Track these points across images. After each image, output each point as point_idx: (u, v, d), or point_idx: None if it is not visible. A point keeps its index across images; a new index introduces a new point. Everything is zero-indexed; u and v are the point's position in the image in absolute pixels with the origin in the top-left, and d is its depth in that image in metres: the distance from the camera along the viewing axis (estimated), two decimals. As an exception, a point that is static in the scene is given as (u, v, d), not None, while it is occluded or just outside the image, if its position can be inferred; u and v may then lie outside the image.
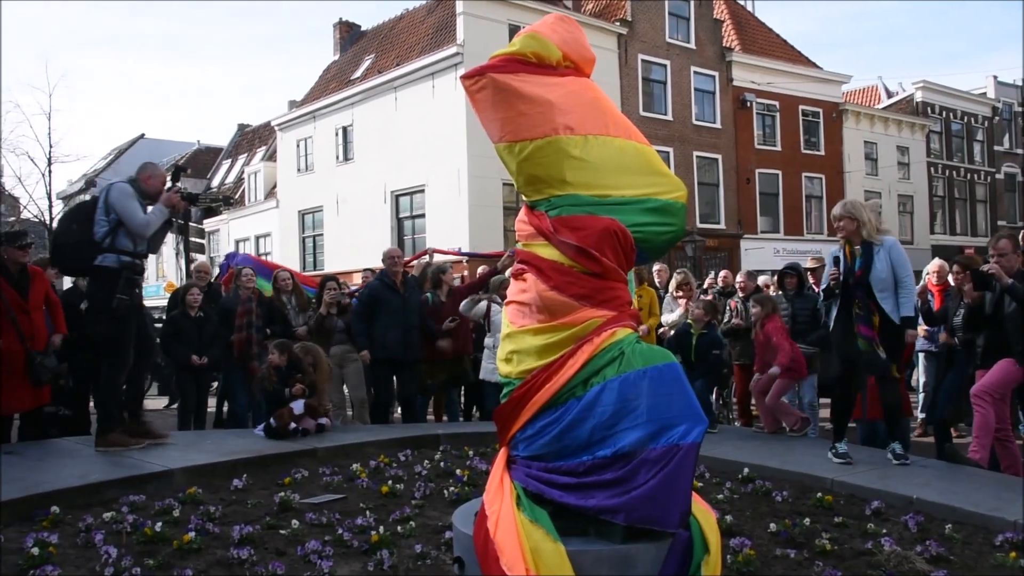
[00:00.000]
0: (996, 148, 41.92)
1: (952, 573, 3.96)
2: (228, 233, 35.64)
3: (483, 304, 8.39)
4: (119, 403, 6.52)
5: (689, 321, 8.18)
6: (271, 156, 35.22)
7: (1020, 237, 9.85)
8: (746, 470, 6.01)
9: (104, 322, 6.22)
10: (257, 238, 34.02)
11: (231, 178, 40.06)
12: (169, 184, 6.51)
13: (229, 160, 41.61)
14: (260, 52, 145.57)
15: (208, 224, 33.25)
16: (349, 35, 33.42)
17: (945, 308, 7.59)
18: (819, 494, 5.38)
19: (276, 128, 33.06)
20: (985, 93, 42.01)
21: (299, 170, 31.21)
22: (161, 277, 33.65)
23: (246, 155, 39.55)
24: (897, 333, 6.16)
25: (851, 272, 6.27)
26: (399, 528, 4.61)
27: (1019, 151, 43.04)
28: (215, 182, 41.10)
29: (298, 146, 31.34)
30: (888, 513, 5.05)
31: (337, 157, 29.05)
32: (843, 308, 6.39)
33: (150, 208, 6.35)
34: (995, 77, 42.57)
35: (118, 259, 6.18)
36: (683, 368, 3.47)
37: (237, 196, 36.53)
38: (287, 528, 4.60)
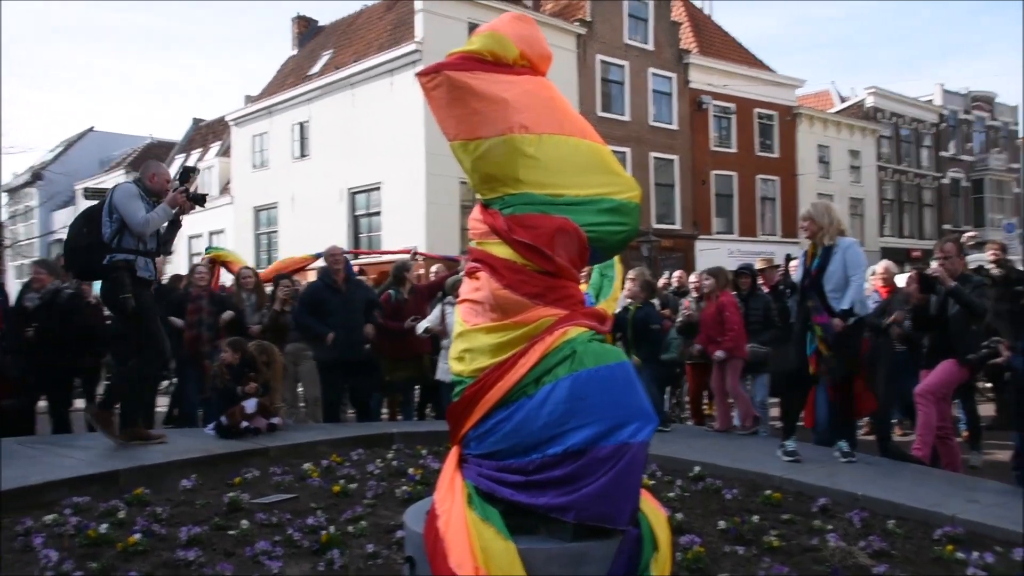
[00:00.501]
0: (942, 154, 42.94)
1: (893, 567, 4.05)
2: (181, 229, 34.99)
3: (437, 310, 8.38)
4: (143, 397, 6.68)
5: (627, 299, 8.18)
6: (226, 151, 34.75)
7: (963, 241, 10.13)
8: (697, 468, 6.07)
9: (120, 320, 6.35)
10: (211, 234, 33.50)
11: (184, 173, 39.38)
12: (177, 184, 6.49)
13: (183, 155, 40.93)
14: (216, 45, 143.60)
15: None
16: (307, 30, 33.11)
17: (889, 305, 7.75)
18: (768, 492, 5.46)
19: (231, 123, 32.63)
20: (932, 100, 43.04)
21: (254, 166, 30.83)
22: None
23: (200, 150, 38.96)
24: (851, 333, 6.27)
25: (808, 272, 6.39)
26: (350, 528, 4.58)
27: (964, 157, 44.14)
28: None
29: (253, 141, 30.95)
30: (834, 510, 5.14)
31: (293, 153, 28.75)
32: (801, 307, 6.51)
33: (156, 207, 6.33)
34: (942, 85, 43.66)
35: (120, 259, 6.19)
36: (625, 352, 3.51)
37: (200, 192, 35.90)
38: (236, 528, 4.53)
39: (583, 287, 3.80)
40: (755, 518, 4.84)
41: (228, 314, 8.39)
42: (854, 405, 6.67)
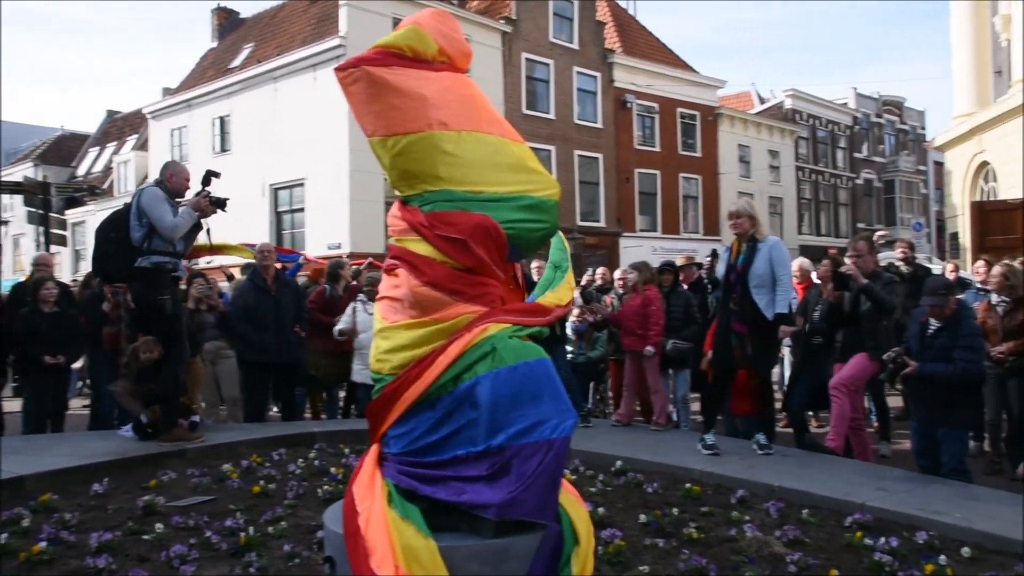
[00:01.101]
0: (856, 155, 44.44)
1: (806, 554, 4.17)
2: (95, 225, 33.88)
3: (349, 308, 8.31)
4: (178, 397, 6.83)
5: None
6: (143, 145, 33.72)
7: (875, 239, 10.48)
8: (619, 463, 6.14)
9: (155, 321, 6.55)
10: (127, 230, 32.49)
11: (99, 167, 38.12)
12: (200, 188, 6.61)
13: (97, 148, 39.59)
14: (132, 35, 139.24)
15: (72, 215, 31.42)
16: (228, 22, 32.37)
17: (805, 302, 7.94)
18: (688, 485, 5.56)
19: (148, 116, 31.70)
20: (847, 103, 44.46)
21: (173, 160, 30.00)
22: (18, 271, 31.74)
23: (116, 143, 37.71)
24: (769, 329, 6.41)
25: (732, 268, 6.52)
26: (270, 529, 4.51)
27: (876, 159, 45.76)
28: (81, 170, 39.04)
29: (172, 135, 30.12)
30: (752, 501, 5.26)
31: (214, 148, 28.08)
32: (724, 303, 6.64)
33: (180, 210, 6.49)
34: (855, 89, 45.16)
35: (156, 261, 6.39)
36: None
37: (105, 186, 34.78)
38: (151, 533, 4.41)
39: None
40: (675, 511, 4.93)
41: (109, 304, 8.15)
42: (772, 399, 6.84)
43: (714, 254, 8.00)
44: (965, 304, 6.19)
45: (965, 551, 4.20)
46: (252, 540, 4.23)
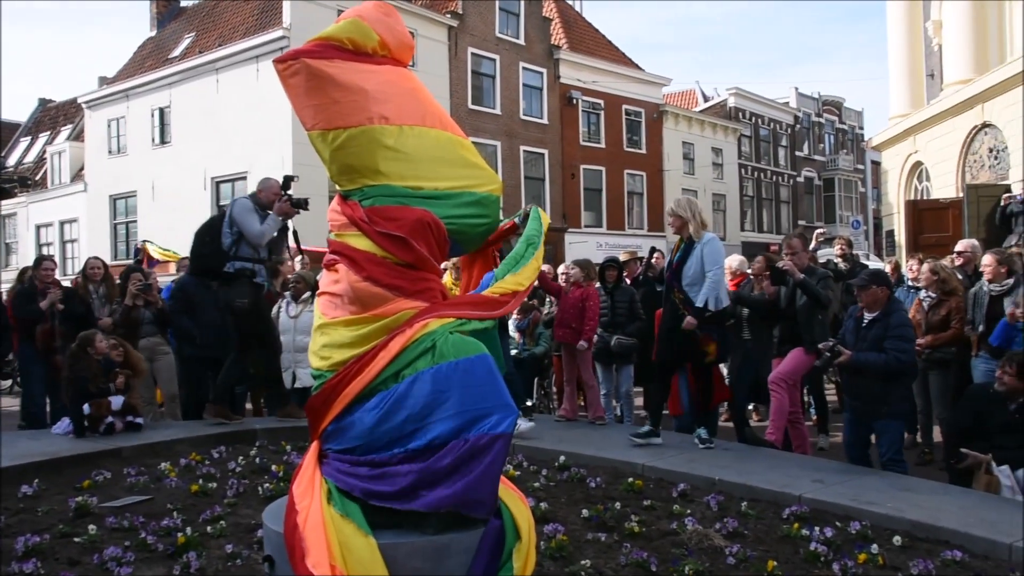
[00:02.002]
0: (797, 154, 45.34)
1: (745, 546, 4.24)
2: (27, 217, 32.92)
3: (273, 310, 8.27)
4: (233, 384, 7.70)
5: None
6: (78, 135, 32.81)
7: (816, 236, 10.69)
8: (562, 458, 6.17)
9: (239, 317, 7.23)
10: (62, 223, 31.62)
11: (31, 157, 36.95)
12: (280, 192, 7.11)
13: (28, 137, 38.35)
14: (64, 21, 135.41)
15: (3, 207, 30.51)
16: (167, 10, 31.58)
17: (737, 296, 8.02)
18: (630, 479, 5.61)
19: (84, 106, 30.81)
20: (788, 103, 45.30)
21: (110, 152, 29.23)
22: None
23: (48, 133, 36.57)
24: (711, 324, 6.48)
25: (670, 265, 6.63)
26: (208, 528, 4.44)
27: (816, 157, 46.75)
28: (11, 160, 37.78)
29: (109, 126, 29.33)
30: (693, 494, 5.33)
31: (153, 139, 27.43)
32: (667, 299, 6.72)
33: (267, 219, 7.06)
34: (796, 89, 46.06)
35: (239, 267, 7.14)
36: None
37: (37, 177, 33.79)
38: (83, 535, 4.31)
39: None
40: (618, 505, 4.98)
41: (51, 298, 7.95)
42: (713, 394, 6.94)
43: (651, 252, 8.08)
44: (897, 298, 6.35)
45: (896, 540, 4.32)
46: (190, 540, 4.15)
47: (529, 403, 8.86)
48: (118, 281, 8.55)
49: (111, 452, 6.30)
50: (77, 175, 31.67)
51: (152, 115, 27.40)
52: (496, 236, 3.89)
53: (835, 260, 9.41)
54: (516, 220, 3.94)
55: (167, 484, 5.52)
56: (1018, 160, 15.83)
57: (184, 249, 9.00)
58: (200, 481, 5.49)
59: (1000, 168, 17.08)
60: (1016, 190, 11.31)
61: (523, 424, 6.83)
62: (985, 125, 17.85)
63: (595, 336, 8.10)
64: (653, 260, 7.94)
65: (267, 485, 5.37)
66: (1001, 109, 16.87)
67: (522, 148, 29.53)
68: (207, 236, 7.33)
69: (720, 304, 6.47)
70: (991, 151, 17.85)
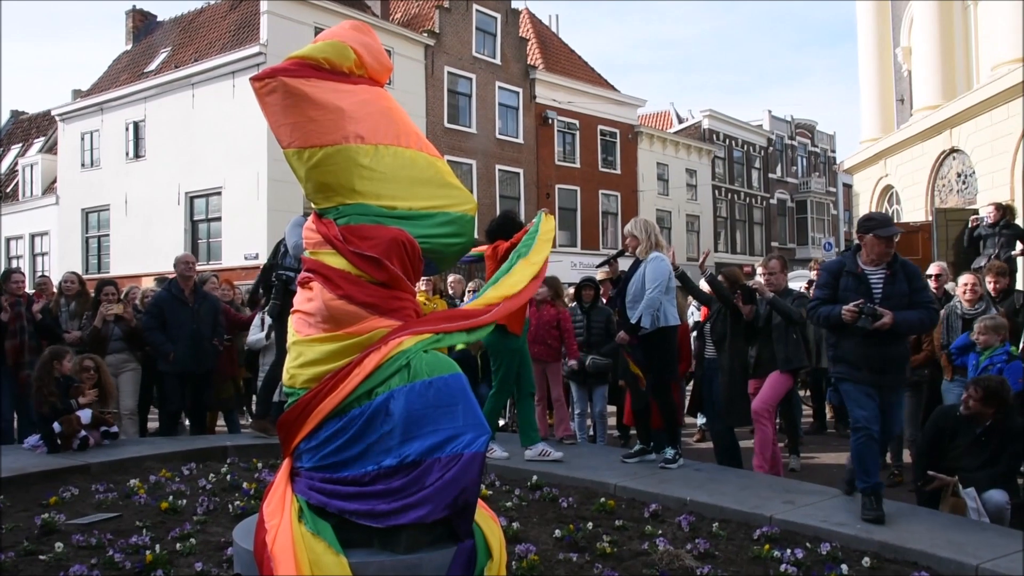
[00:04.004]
0: (771, 176, 45.86)
1: (716, 567, 4.26)
2: (-2, 228, 32.52)
3: (256, 319, 8.26)
4: (271, 396, 7.64)
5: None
6: (51, 148, 32.47)
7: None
8: (535, 477, 6.17)
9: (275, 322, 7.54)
10: (32, 236, 31.24)
11: (2, 169, 36.54)
12: None
13: (0, 149, 37.93)
14: (40, 33, 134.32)
15: (-27, 219, 30.12)
16: (143, 25, 31.42)
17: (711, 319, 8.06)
18: (603, 499, 5.61)
19: (57, 118, 30.54)
20: (762, 125, 45.87)
21: (83, 165, 28.98)
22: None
23: (21, 145, 36.17)
24: (655, 343, 6.52)
25: (620, 283, 6.72)
26: (178, 546, 4.38)
27: (789, 180, 47.30)
28: (-18, 173, 37.34)
29: (83, 139, 29.09)
30: (665, 515, 5.33)
31: (127, 153, 27.23)
32: (620, 319, 6.79)
33: None
34: (770, 111, 46.68)
35: (280, 274, 7.44)
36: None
37: (8, 190, 33.37)
38: (48, 553, 4.24)
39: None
40: (590, 525, 4.97)
41: (74, 335, 8.08)
42: (676, 413, 6.94)
43: (619, 252, 8.14)
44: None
45: (865, 561, 4.35)
46: (159, 558, 4.10)
47: (502, 422, 8.85)
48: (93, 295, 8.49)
49: (79, 468, 6.22)
50: (49, 188, 31.32)
51: (127, 129, 27.22)
52: (516, 239, 3.95)
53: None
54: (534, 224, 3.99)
55: (136, 501, 5.45)
56: (986, 185, 16.11)
57: (155, 264, 8.92)
58: (170, 498, 5.43)
59: (968, 193, 17.37)
60: (983, 213, 11.47)
61: (498, 451, 6.83)
62: (953, 150, 18.17)
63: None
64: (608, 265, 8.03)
65: (238, 502, 5.32)
66: (968, 135, 17.19)
67: (497, 167, 29.65)
68: (276, 249, 7.81)
69: (658, 323, 6.49)
70: (959, 176, 18.15)
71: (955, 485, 5.44)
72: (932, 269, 8.44)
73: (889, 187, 22.07)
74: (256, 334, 8.32)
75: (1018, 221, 11.84)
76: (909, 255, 14.72)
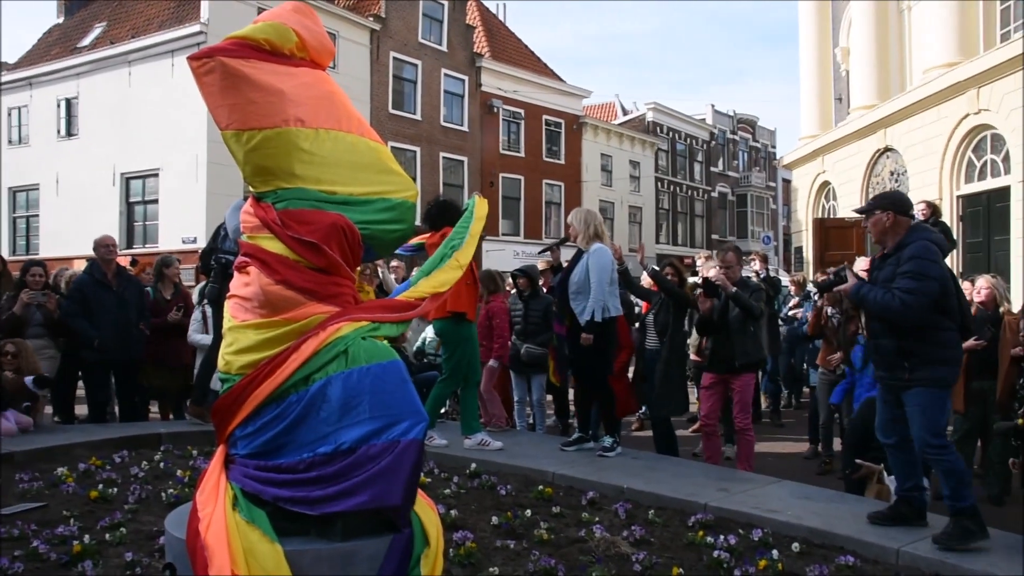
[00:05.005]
0: (712, 169, 46.52)
1: (651, 553, 4.33)
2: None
3: (197, 312, 8.07)
4: (208, 382, 7.37)
5: None
6: (-25, 124, 31.27)
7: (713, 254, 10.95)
8: (474, 465, 6.18)
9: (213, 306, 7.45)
10: (-45, 216, 30.13)
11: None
12: None
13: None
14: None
15: None
16: (77, -2, 30.44)
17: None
18: (541, 487, 5.66)
19: (-18, 92, 29.44)
20: (705, 119, 46.47)
21: (10, 142, 27.95)
22: None
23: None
24: (597, 333, 6.54)
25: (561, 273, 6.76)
26: (107, 536, 4.30)
27: (730, 174, 48.06)
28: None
29: (9, 115, 28.02)
30: (602, 502, 5.40)
31: (59, 131, 26.36)
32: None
33: None
34: (713, 106, 47.28)
35: (222, 257, 7.09)
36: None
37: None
38: (-32, 544, 4.11)
39: None
40: (527, 512, 5.01)
41: None
42: (615, 402, 7.00)
43: (561, 240, 8.20)
44: (920, 225, 4.95)
45: (795, 546, 4.48)
46: (87, 549, 4.02)
47: (443, 410, 8.83)
48: (16, 276, 8.16)
49: (3, 457, 6.02)
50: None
51: (58, 106, 26.33)
52: None
53: (750, 274, 9.63)
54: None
55: (63, 490, 5.31)
56: (916, 183, 16.60)
57: (88, 247, 8.62)
58: (100, 487, 5.31)
59: (900, 190, 17.87)
60: (916, 211, 11.81)
61: (437, 439, 6.82)
62: (887, 149, 18.68)
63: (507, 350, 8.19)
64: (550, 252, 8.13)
65: (171, 491, 5.23)
66: (901, 135, 17.69)
67: (442, 155, 29.50)
68: (216, 233, 7.49)
69: (608, 313, 6.55)
70: (892, 174, 18.68)
71: (880, 472, 5.63)
72: (860, 264, 8.63)
73: (826, 183, 22.58)
74: (198, 332, 8.01)
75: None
76: (844, 250, 15.21)
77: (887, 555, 4.38)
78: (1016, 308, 7.66)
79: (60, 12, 30.23)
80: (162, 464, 6.10)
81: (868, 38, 19.69)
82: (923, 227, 4.73)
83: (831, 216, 21.15)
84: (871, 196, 18.41)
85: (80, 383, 8.62)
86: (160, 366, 8.38)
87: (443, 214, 6.71)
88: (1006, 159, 14.19)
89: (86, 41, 27.10)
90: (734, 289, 6.57)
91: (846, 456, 6.23)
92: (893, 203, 4.72)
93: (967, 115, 15.06)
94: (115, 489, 5.32)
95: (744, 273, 7.60)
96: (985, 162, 15.10)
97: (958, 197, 15.62)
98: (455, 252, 3.80)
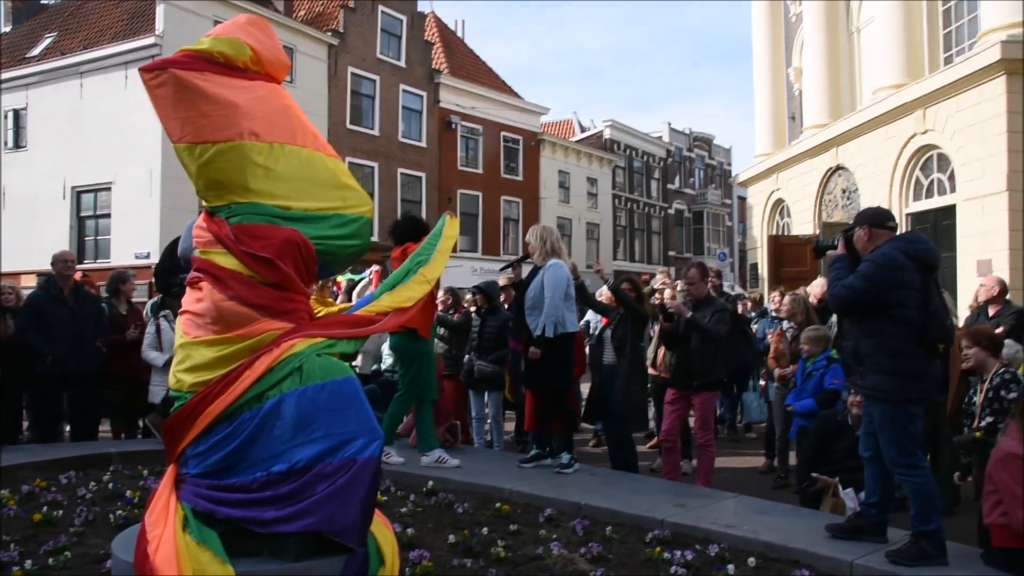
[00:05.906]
0: (669, 186, 47.02)
1: (609, 570, 4.33)
2: None
3: (151, 326, 7.93)
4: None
5: None
6: (-81, 135, 30.48)
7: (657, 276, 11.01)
8: (431, 483, 6.13)
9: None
10: None
11: None
12: None
13: None
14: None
15: None
16: (25, 6, 29.80)
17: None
18: (498, 504, 5.62)
19: (-74, 103, 28.71)
20: (661, 137, 47.01)
21: (-44, 154, 27.33)
22: None
23: None
24: (551, 348, 6.53)
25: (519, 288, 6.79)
26: (51, 560, 4.18)
27: (687, 191, 48.63)
28: None
29: (-45, 126, 27.41)
30: (559, 519, 5.38)
31: (6, 143, 25.75)
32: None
33: None
34: (669, 124, 47.86)
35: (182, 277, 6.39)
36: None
37: None
38: (-99, 571, 3.97)
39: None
40: (485, 530, 4.97)
41: None
42: (571, 418, 6.99)
43: (523, 257, 8.19)
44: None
45: (751, 561, 4.50)
46: (28, 574, 3.89)
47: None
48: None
49: (-57, 478, 5.84)
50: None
51: (5, 117, 25.78)
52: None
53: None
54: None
55: (5, 514, 5.15)
56: (867, 201, 16.93)
57: (37, 262, 8.40)
58: (44, 509, 5.16)
59: (852, 208, 18.19)
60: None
61: (394, 457, 6.75)
62: (839, 167, 19.05)
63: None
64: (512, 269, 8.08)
65: (120, 512, 5.10)
66: (852, 153, 18.07)
67: (400, 170, 29.41)
68: (168, 253, 6.87)
69: (564, 328, 6.55)
70: (844, 192, 19.03)
71: (835, 486, 5.69)
72: (815, 288, 8.78)
73: (780, 200, 22.93)
74: (153, 348, 7.86)
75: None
76: (798, 267, 15.44)
77: (841, 568, 4.41)
78: (960, 323, 7.83)
79: (8, 20, 29.62)
80: (111, 485, 5.96)
81: (820, 59, 20.09)
82: (901, 237, 4.73)
83: (785, 233, 21.47)
84: (824, 214, 18.81)
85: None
86: (121, 381, 8.20)
87: (408, 229, 6.68)
88: (951, 178, 14.55)
89: (35, 51, 26.58)
90: (689, 314, 6.54)
91: (801, 470, 6.29)
92: (867, 218, 4.81)
93: (914, 135, 15.43)
94: (60, 512, 5.18)
95: None
96: (932, 181, 15.46)
97: (907, 215, 15.95)
98: (421, 268, 3.78)
